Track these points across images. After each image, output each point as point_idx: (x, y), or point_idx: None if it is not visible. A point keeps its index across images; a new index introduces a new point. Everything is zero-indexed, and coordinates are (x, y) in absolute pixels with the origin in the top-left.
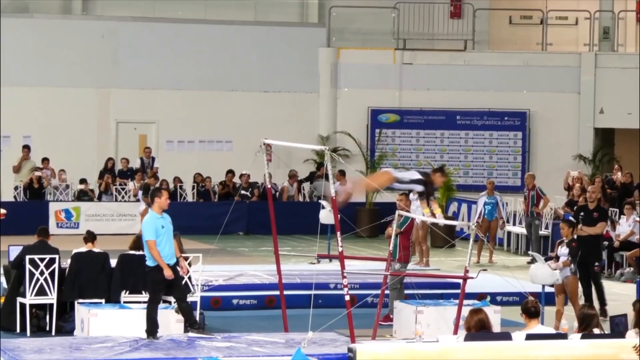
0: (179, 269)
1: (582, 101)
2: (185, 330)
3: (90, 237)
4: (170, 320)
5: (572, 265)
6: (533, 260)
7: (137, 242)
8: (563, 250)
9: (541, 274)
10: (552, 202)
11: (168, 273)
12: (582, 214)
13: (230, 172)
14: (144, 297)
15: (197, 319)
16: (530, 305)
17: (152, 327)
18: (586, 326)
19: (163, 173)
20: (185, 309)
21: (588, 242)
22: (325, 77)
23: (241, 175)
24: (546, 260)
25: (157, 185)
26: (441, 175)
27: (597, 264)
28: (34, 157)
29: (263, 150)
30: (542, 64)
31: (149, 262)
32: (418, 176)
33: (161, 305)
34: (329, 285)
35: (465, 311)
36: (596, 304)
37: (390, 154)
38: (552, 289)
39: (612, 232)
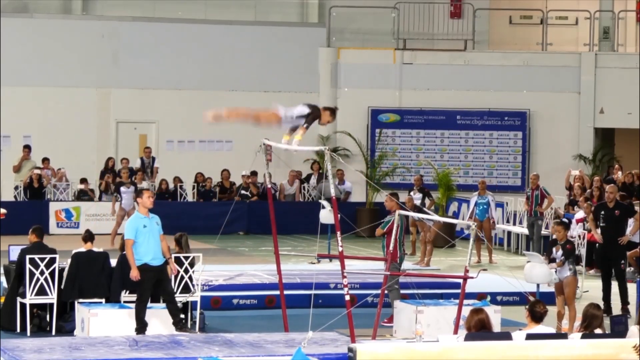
0: (169, 268)
1: (582, 101)
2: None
3: (89, 237)
4: (169, 319)
5: (571, 266)
6: None
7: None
8: (559, 254)
9: (536, 273)
10: (554, 202)
11: (133, 274)
12: (602, 212)
13: (225, 171)
14: None
15: (198, 319)
16: (539, 310)
17: (140, 326)
18: (588, 325)
19: (163, 173)
20: (171, 309)
21: (612, 240)
22: (325, 77)
23: (247, 176)
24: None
25: (152, 184)
26: (330, 115)
27: (622, 261)
28: (34, 157)
29: (263, 150)
30: (542, 63)
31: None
32: (307, 110)
33: (160, 304)
34: (329, 285)
35: (465, 311)
36: (618, 303)
37: (390, 154)
38: (548, 289)
39: None
